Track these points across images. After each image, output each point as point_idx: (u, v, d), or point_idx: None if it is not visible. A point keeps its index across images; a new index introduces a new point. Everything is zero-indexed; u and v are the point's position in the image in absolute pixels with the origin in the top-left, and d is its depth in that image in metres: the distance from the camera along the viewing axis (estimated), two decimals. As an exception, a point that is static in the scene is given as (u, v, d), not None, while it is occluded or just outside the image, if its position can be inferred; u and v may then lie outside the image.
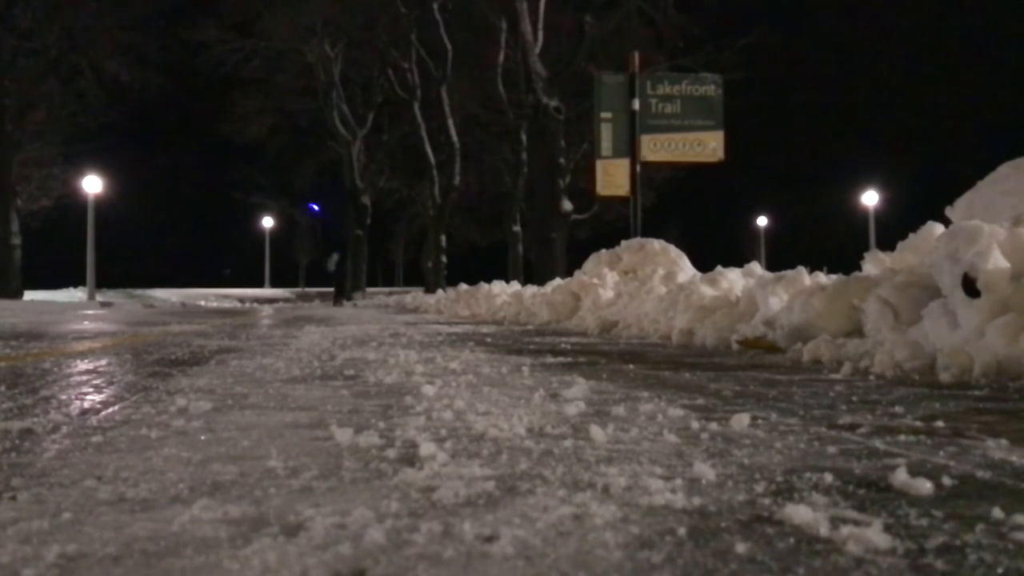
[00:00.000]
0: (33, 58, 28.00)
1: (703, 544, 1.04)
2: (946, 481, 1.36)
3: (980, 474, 1.44)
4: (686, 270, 8.13)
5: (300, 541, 1.06)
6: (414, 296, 21.84)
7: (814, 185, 56.80)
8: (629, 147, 11.57)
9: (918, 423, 2.00)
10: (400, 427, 1.95)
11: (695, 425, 1.93)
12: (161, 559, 1.00)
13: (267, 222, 50.04)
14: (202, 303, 29.32)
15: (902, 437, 1.80)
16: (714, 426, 1.92)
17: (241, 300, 32.75)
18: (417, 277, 42.67)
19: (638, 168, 11.68)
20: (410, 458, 1.58)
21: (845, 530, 1.06)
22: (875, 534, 1.04)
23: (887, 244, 5.06)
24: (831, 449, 1.67)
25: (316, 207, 19.35)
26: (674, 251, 8.63)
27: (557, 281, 10.14)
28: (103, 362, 4.03)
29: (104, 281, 31.79)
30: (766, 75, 25.63)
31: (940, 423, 1.97)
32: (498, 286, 13.08)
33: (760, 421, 2.03)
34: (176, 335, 6.70)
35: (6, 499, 1.30)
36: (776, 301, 4.76)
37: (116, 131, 31.55)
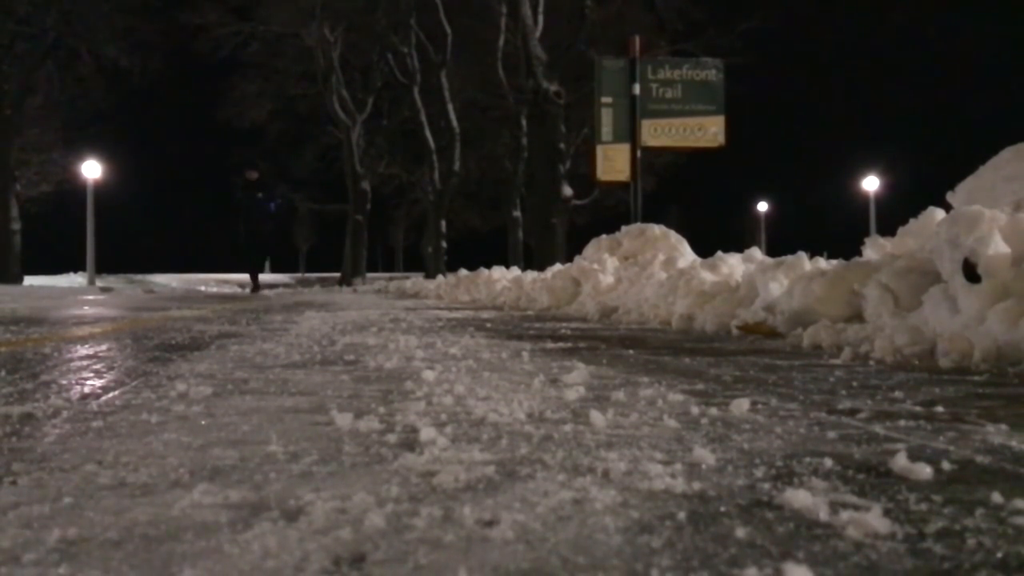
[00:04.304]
0: (31, 43, 27.90)
1: (703, 529, 1.05)
2: (946, 466, 1.37)
3: (980, 459, 1.44)
4: (686, 255, 8.12)
5: (300, 526, 1.06)
6: (414, 282, 21.83)
7: (815, 170, 56.81)
8: (629, 132, 11.53)
9: (918, 408, 2.00)
10: (400, 412, 1.95)
11: (695, 410, 1.94)
12: (161, 543, 1.01)
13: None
14: (202, 288, 29.34)
15: (902, 422, 1.80)
16: (714, 411, 1.93)
17: (241, 285, 32.76)
18: (417, 262, 42.67)
19: (638, 153, 11.65)
20: (410, 443, 1.58)
21: (845, 515, 1.06)
22: (875, 519, 1.04)
23: (888, 229, 5.05)
24: (831, 434, 1.67)
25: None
26: (674, 236, 8.62)
27: (557, 267, 10.13)
28: (103, 347, 4.03)
29: (104, 266, 31.81)
30: (767, 60, 25.54)
31: (940, 408, 1.98)
32: (498, 272, 13.07)
33: (760, 406, 2.03)
34: (176, 320, 6.71)
35: (7, 483, 1.31)
36: (776, 286, 4.75)
37: (115, 116, 31.55)
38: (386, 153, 37.57)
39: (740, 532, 1.02)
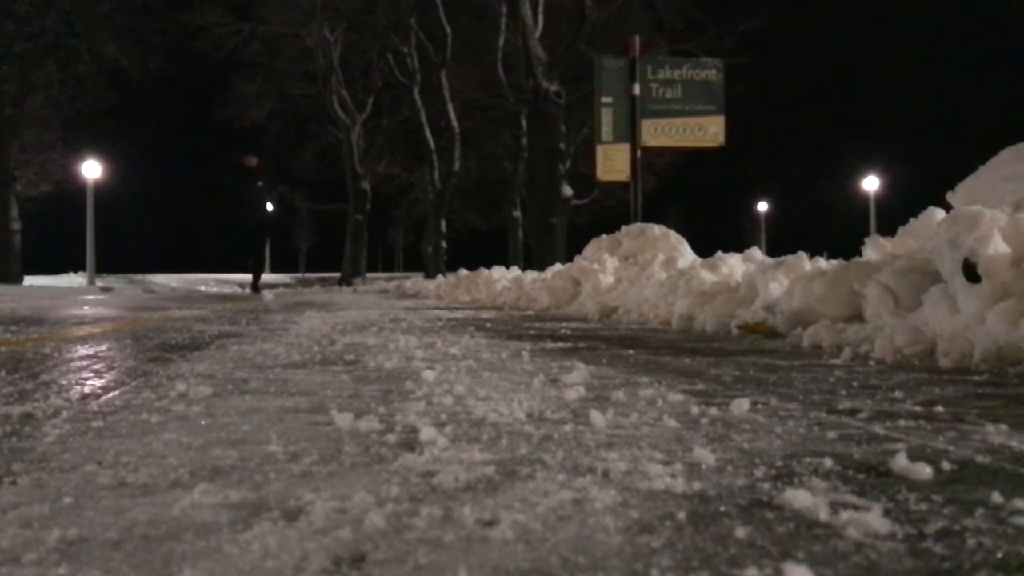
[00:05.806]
0: (31, 42, 27.87)
1: (703, 528, 1.05)
2: (946, 466, 1.37)
3: (980, 459, 1.44)
4: (686, 255, 8.12)
5: (300, 526, 1.06)
6: (414, 281, 21.82)
7: (815, 170, 56.90)
8: (629, 132, 11.54)
9: (918, 408, 2.00)
10: (400, 412, 1.95)
11: (695, 410, 1.93)
12: (161, 543, 1.01)
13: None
14: (202, 288, 29.33)
15: (902, 422, 1.80)
16: (714, 411, 1.93)
17: (241, 285, 32.76)
18: (417, 262, 42.67)
19: (638, 153, 11.65)
20: (410, 443, 1.58)
21: (845, 515, 1.06)
22: (875, 519, 1.04)
23: (888, 229, 5.05)
24: (831, 434, 1.67)
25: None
26: (674, 236, 8.61)
27: (557, 266, 10.13)
28: (103, 347, 4.03)
29: (104, 266, 31.79)
30: (767, 60, 25.56)
31: (940, 408, 1.98)
32: (498, 271, 13.06)
33: (760, 406, 2.03)
34: (176, 320, 6.71)
35: (7, 484, 1.30)
36: (776, 286, 4.75)
37: (115, 116, 31.44)
38: (386, 153, 37.55)
39: (740, 532, 1.02)
